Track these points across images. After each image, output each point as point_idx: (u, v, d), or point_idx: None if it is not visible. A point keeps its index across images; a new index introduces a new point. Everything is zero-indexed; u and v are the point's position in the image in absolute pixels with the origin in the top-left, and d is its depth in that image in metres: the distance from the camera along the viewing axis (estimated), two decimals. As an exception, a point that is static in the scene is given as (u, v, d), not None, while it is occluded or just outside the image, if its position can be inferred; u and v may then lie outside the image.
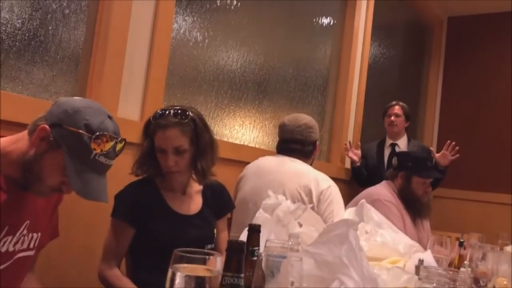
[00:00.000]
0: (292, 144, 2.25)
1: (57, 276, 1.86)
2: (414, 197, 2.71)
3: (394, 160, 2.86)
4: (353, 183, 3.79)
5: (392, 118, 3.73)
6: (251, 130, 3.01)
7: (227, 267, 0.70)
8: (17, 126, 1.49)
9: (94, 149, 1.23)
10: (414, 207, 2.71)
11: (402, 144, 3.76)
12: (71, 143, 1.22)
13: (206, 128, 1.73)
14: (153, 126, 1.68)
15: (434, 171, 2.80)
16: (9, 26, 1.76)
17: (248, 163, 2.49)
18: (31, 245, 1.35)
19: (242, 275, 0.71)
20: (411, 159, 2.79)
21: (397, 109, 3.75)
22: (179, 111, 1.67)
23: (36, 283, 1.46)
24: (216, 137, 2.00)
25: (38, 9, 1.85)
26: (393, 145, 3.73)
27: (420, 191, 2.72)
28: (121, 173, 1.82)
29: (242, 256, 0.71)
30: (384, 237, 1.81)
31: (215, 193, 1.86)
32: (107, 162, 1.27)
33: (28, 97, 1.80)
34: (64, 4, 1.94)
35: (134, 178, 1.77)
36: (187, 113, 1.67)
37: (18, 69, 1.80)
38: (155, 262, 1.64)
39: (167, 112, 1.67)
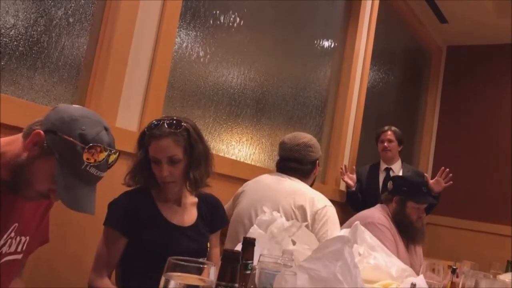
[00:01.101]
0: (290, 162, 2.25)
1: (45, 283, 1.83)
2: (408, 222, 2.70)
3: (389, 184, 2.86)
4: (348, 206, 3.79)
5: (386, 144, 3.76)
6: (248, 147, 3.02)
7: (221, 276, 0.69)
8: (14, 130, 1.48)
9: (87, 159, 1.21)
10: (407, 232, 2.70)
11: (397, 168, 3.78)
12: (63, 151, 1.21)
13: (201, 139, 1.73)
14: (147, 137, 1.68)
15: (429, 197, 2.80)
16: (13, 30, 1.77)
17: (243, 179, 2.49)
18: (19, 249, 1.33)
19: (237, 285, 0.70)
20: (406, 183, 2.79)
21: (389, 134, 3.78)
22: (173, 121, 1.68)
23: (23, 289, 1.44)
24: (213, 151, 2.00)
25: (43, 16, 1.86)
26: (387, 170, 3.75)
27: (414, 216, 2.71)
28: (116, 182, 1.82)
29: (237, 266, 0.70)
30: (377, 260, 1.80)
31: (210, 207, 1.85)
32: (97, 174, 1.25)
33: (28, 101, 1.80)
34: (69, 12, 1.95)
35: (130, 187, 1.75)
36: (181, 123, 1.68)
37: (20, 73, 1.81)
38: (146, 272, 1.62)
39: (161, 122, 1.68)
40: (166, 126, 1.66)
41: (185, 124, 1.69)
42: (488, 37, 5.04)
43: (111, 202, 1.71)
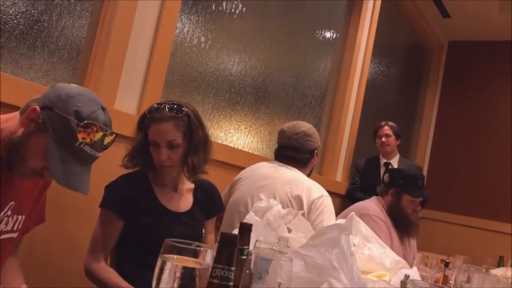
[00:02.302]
0: (288, 150, 2.24)
1: (39, 264, 1.83)
2: (403, 215, 2.71)
3: (386, 177, 2.86)
4: (344, 197, 3.80)
5: (383, 139, 3.77)
6: (246, 135, 3.01)
7: (218, 259, 0.69)
8: (13, 109, 1.47)
9: (82, 138, 1.21)
10: (402, 225, 2.71)
11: (395, 162, 3.80)
12: (58, 128, 1.20)
13: (201, 125, 1.72)
14: (147, 120, 1.67)
15: (425, 191, 2.81)
16: (13, 8, 1.75)
17: (240, 167, 2.48)
18: (15, 227, 1.33)
19: (233, 268, 0.70)
20: (403, 176, 2.79)
21: (386, 129, 3.80)
22: (174, 106, 1.67)
23: (17, 268, 1.44)
24: (211, 138, 1.99)
25: (44, -6, 1.84)
26: (387, 164, 3.77)
27: (409, 209, 2.72)
28: (113, 165, 1.81)
29: (234, 250, 0.70)
30: (371, 251, 1.81)
31: (206, 193, 1.85)
32: (92, 153, 1.24)
33: (27, 80, 1.78)
34: (71, -9, 1.93)
35: (127, 171, 1.75)
36: (182, 108, 1.67)
37: (19, 52, 1.79)
38: (141, 257, 1.62)
39: (162, 106, 1.67)
40: (167, 110, 1.65)
41: (186, 109, 1.68)
42: (490, 33, 5.03)
43: (108, 185, 1.70)
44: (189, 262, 0.75)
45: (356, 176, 3.87)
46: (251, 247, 1.08)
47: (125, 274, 1.63)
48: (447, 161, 4.17)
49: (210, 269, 0.71)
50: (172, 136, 1.64)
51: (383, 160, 3.81)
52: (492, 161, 4.95)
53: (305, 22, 3.44)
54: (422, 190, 2.78)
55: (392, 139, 3.79)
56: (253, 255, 0.94)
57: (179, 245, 0.76)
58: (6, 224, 1.29)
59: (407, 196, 2.71)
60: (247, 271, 0.95)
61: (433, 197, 3.53)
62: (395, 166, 3.76)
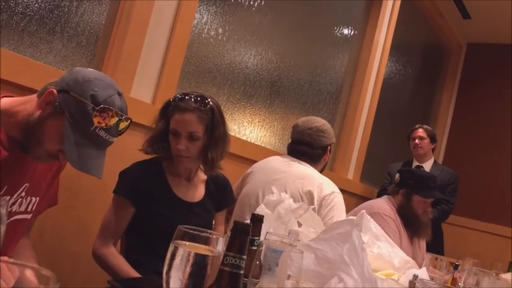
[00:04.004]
0: (301, 145, 2.23)
1: (51, 246, 1.86)
2: (413, 215, 2.69)
3: (397, 177, 2.85)
4: (355, 195, 3.78)
5: (417, 141, 3.74)
6: (259, 129, 3.01)
7: (230, 247, 0.70)
8: (30, 92, 1.49)
9: (98, 122, 1.21)
10: (412, 225, 2.70)
11: (428, 166, 3.75)
12: (74, 111, 1.21)
13: (223, 120, 1.72)
14: (172, 108, 1.67)
15: (436, 191, 2.79)
16: (35, -8, 1.76)
17: (252, 160, 2.48)
18: (29, 209, 1.34)
19: (245, 257, 0.70)
20: (414, 177, 2.77)
21: (420, 132, 3.77)
22: (200, 98, 1.67)
23: (29, 249, 1.46)
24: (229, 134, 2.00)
25: (65, -20, 1.85)
26: (418, 168, 3.73)
27: (420, 210, 2.70)
28: (127, 152, 1.83)
29: (246, 238, 0.70)
30: (380, 249, 1.80)
31: (218, 185, 1.86)
32: (107, 138, 1.25)
33: (45, 65, 1.80)
34: (92, -22, 1.94)
35: (140, 158, 1.76)
36: (207, 101, 1.67)
37: (39, 36, 1.80)
38: (151, 245, 1.63)
39: (188, 96, 1.66)
40: (193, 101, 1.65)
41: (211, 103, 1.68)
42: (509, 36, 4.95)
43: (122, 171, 1.71)
44: (201, 249, 0.75)
45: (386, 178, 3.85)
46: (261, 238, 1.08)
47: (135, 262, 1.64)
48: (461, 163, 4.11)
49: (222, 257, 0.71)
50: (194, 127, 1.64)
51: (415, 163, 3.77)
52: (508, 164, 4.89)
53: (323, 18, 3.42)
54: (433, 191, 2.76)
55: (426, 141, 3.75)
56: (263, 246, 0.94)
57: (191, 232, 0.76)
58: (20, 205, 1.31)
59: (417, 197, 2.70)
60: (257, 262, 0.96)
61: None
62: (428, 170, 3.69)
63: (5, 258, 0.84)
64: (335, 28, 3.58)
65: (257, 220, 0.97)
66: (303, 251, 0.85)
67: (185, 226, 0.77)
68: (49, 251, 1.85)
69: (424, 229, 2.72)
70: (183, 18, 2.20)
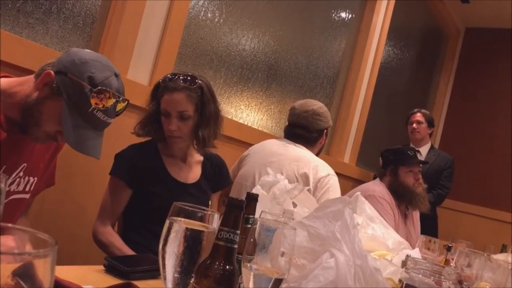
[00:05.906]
0: (297, 128, 2.25)
1: (48, 226, 1.87)
2: (405, 188, 2.73)
3: (380, 160, 2.90)
4: (351, 179, 3.81)
5: (414, 125, 3.72)
6: (256, 112, 3.02)
7: (224, 222, 0.71)
8: (27, 72, 1.49)
9: (95, 103, 1.22)
10: (406, 197, 2.73)
11: (424, 151, 3.73)
12: (71, 93, 1.22)
13: (213, 99, 1.73)
14: (161, 89, 1.68)
15: (417, 158, 2.82)
16: (30, -28, 1.75)
17: (249, 143, 2.50)
18: (27, 189, 1.36)
19: (238, 231, 0.72)
20: (392, 152, 2.84)
21: (418, 116, 3.75)
22: (189, 77, 1.68)
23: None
24: (222, 113, 2.00)
25: (61, -40, 1.84)
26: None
27: (410, 181, 2.74)
28: (123, 134, 1.83)
29: (240, 214, 0.72)
30: (374, 231, 1.83)
31: (214, 166, 1.87)
32: (104, 119, 1.26)
33: (42, 45, 1.80)
34: (88, -42, 1.93)
35: (137, 140, 1.77)
36: (196, 80, 1.68)
37: (35, 17, 1.80)
38: (147, 225, 1.65)
39: (176, 76, 1.67)
40: (181, 81, 1.66)
41: (200, 82, 1.69)
42: (508, 21, 4.94)
43: (118, 153, 1.73)
44: (196, 225, 0.77)
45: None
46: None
47: (131, 241, 1.66)
48: (457, 147, 4.13)
49: (216, 231, 0.73)
50: (184, 107, 1.65)
51: None
52: (503, 150, 4.92)
53: (320, 1, 3.41)
54: (414, 158, 2.80)
55: (424, 126, 3.73)
56: (257, 223, 0.96)
57: (187, 208, 0.78)
58: (18, 184, 1.32)
59: (402, 168, 2.75)
60: (251, 240, 0.97)
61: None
62: (424, 155, 3.68)
63: None
64: (333, 11, 3.57)
65: (252, 199, 0.98)
66: (296, 228, 0.87)
67: (181, 202, 0.78)
68: (47, 231, 1.86)
69: (420, 199, 2.74)
70: (180, 0, 2.19)
